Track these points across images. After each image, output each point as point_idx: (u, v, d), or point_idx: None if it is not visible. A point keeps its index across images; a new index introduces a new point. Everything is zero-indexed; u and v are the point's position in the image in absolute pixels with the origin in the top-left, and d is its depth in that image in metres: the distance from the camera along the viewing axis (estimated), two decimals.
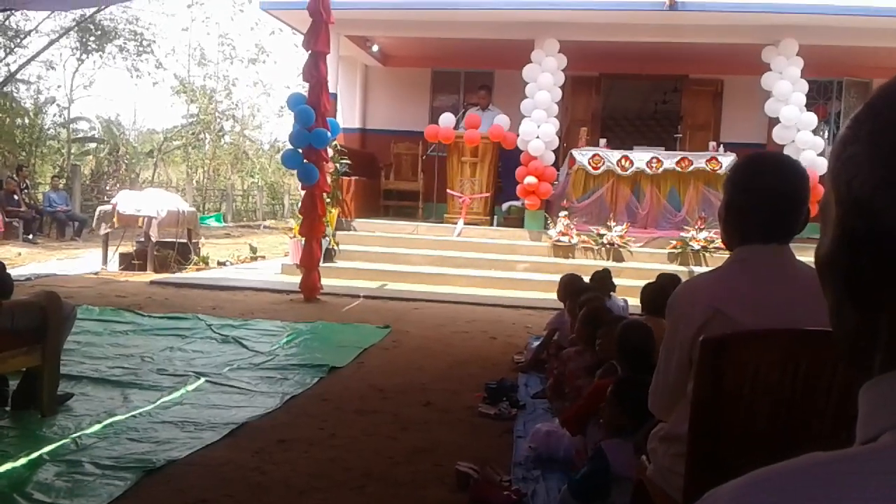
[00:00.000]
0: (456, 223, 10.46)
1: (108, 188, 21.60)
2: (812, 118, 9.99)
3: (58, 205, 15.45)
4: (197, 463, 3.37)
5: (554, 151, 10.48)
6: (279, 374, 4.97)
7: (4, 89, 21.36)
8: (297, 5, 8.86)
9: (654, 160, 10.09)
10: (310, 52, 7.93)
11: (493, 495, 3.02)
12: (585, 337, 4.09)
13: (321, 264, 8.49)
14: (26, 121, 22.57)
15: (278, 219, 24.70)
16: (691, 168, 10.01)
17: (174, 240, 10.29)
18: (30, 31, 21.85)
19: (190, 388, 4.59)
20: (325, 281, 8.35)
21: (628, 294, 5.81)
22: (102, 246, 10.34)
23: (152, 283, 8.97)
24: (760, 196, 1.83)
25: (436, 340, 6.28)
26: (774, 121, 10.41)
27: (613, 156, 10.13)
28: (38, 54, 22.24)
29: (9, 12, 19.17)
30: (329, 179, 9.07)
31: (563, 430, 3.48)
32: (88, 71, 35.35)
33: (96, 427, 3.76)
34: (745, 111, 12.12)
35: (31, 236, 14.12)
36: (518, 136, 10.22)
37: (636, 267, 9.17)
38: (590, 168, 10.14)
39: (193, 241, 10.71)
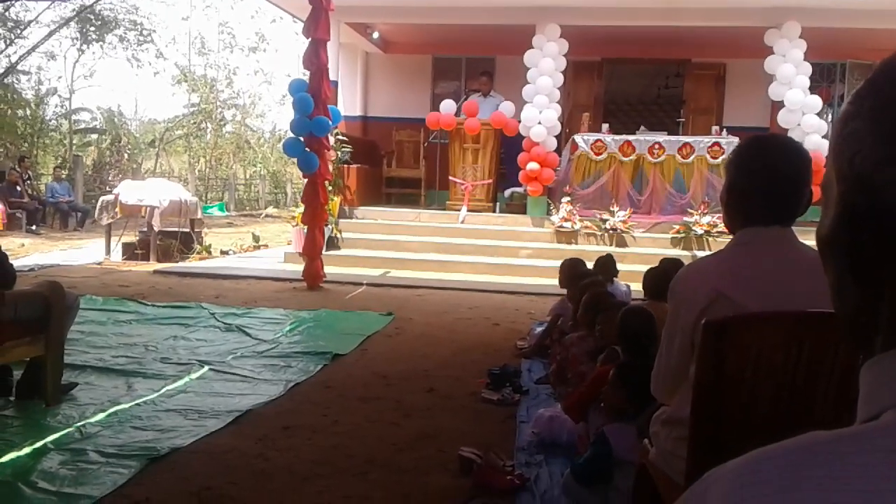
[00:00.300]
0: (458, 210, 10.45)
1: (110, 178, 21.62)
2: (816, 101, 9.95)
3: (60, 195, 15.46)
4: (201, 450, 3.38)
5: (556, 137, 10.45)
6: (282, 362, 4.98)
7: (5, 80, 21.34)
8: None
9: (657, 146, 10.06)
10: (310, 39, 7.90)
11: (496, 480, 3.03)
12: (587, 322, 4.09)
13: (324, 252, 8.49)
14: (28, 112, 22.58)
15: (281, 207, 24.70)
16: (692, 157, 9.98)
17: (177, 229, 10.30)
18: (30, 22, 21.85)
19: (194, 376, 4.60)
20: (327, 269, 8.36)
21: (631, 279, 5.81)
22: (105, 236, 10.36)
23: (155, 272, 8.98)
24: (763, 178, 1.82)
25: (439, 327, 6.29)
26: (777, 104, 10.37)
27: (616, 141, 10.11)
28: (38, 45, 22.23)
29: (9, 3, 19.14)
30: (331, 167, 9.06)
31: (565, 415, 3.49)
32: (89, 61, 35.47)
33: (100, 416, 3.77)
34: (748, 95, 12.09)
35: (34, 227, 14.14)
36: (520, 122, 10.19)
37: (639, 252, 9.16)
38: (592, 154, 10.12)
39: (196, 230, 10.72)
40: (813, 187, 1.87)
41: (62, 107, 24.71)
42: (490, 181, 10.67)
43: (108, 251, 10.21)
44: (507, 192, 11.09)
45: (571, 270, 5.26)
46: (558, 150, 10.62)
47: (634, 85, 14.02)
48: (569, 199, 9.94)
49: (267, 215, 21.10)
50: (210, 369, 4.75)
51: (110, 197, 10.40)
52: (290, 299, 7.46)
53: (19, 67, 22.32)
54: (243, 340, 5.63)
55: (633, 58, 12.40)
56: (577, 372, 4.00)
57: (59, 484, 2.95)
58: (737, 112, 12.37)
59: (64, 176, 16.63)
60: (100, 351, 5.11)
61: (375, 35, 12.39)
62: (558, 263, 5.72)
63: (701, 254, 8.94)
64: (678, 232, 9.68)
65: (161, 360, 4.95)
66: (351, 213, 10.64)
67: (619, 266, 5.63)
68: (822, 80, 11.75)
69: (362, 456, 3.36)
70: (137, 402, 4.03)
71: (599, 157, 10.12)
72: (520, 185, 10.62)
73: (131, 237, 10.48)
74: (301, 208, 8.75)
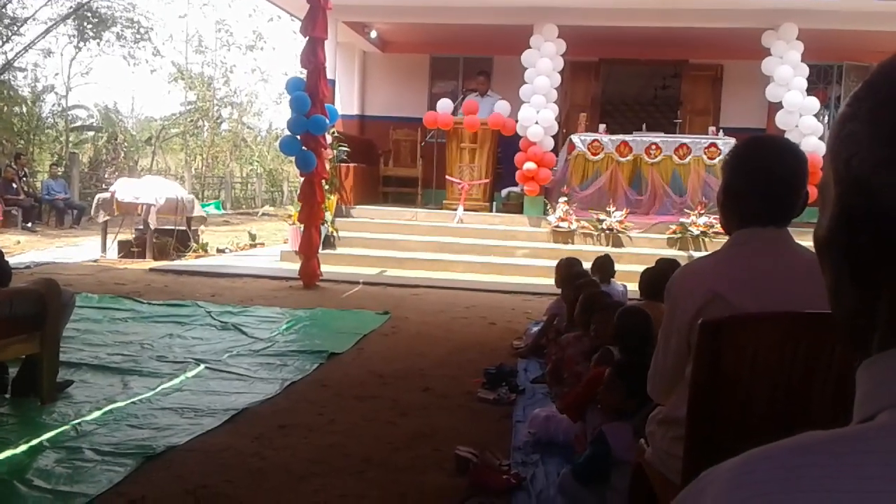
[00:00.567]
0: (455, 209, 10.45)
1: (106, 176, 21.57)
2: (814, 103, 9.97)
3: (56, 193, 15.44)
4: (197, 449, 3.38)
5: (553, 137, 10.45)
6: (278, 361, 4.98)
7: (2, 77, 21.28)
8: None
9: (653, 146, 10.07)
10: (307, 38, 7.89)
11: (492, 480, 3.03)
12: (583, 323, 4.09)
13: (320, 251, 8.49)
14: (24, 109, 22.53)
15: (277, 206, 24.66)
16: (689, 158, 10.01)
17: (173, 227, 10.28)
18: (27, 19, 21.80)
19: (189, 374, 4.60)
20: (324, 267, 8.35)
21: (628, 279, 5.82)
22: (101, 233, 10.34)
23: (151, 270, 8.97)
24: (759, 179, 1.83)
25: (435, 326, 6.29)
26: (774, 105, 10.38)
27: (612, 142, 10.12)
28: (35, 42, 22.18)
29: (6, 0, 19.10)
30: (328, 166, 9.05)
31: (561, 415, 3.49)
32: (86, 59, 35.26)
33: (96, 414, 3.77)
34: (745, 96, 12.10)
35: (30, 224, 14.11)
36: (517, 121, 10.19)
37: (636, 252, 9.17)
38: (589, 154, 10.13)
39: (192, 228, 10.71)
40: (809, 188, 1.88)
41: (59, 104, 24.71)
42: (487, 181, 10.67)
43: (104, 249, 10.19)
44: (504, 192, 11.09)
45: (566, 270, 5.27)
46: (555, 150, 10.62)
47: (631, 85, 14.02)
48: (566, 199, 9.94)
49: (263, 214, 21.07)
50: (206, 368, 4.75)
51: (106, 194, 10.38)
52: (287, 298, 7.46)
53: (16, 64, 22.28)
54: (239, 339, 5.62)
55: (631, 58, 12.41)
56: (573, 372, 4.00)
57: (55, 482, 2.95)
58: (733, 113, 12.39)
59: (60, 173, 16.62)
60: (95, 349, 5.10)
61: (373, 34, 12.38)
62: (555, 263, 5.73)
63: (697, 254, 8.95)
64: (675, 232, 9.69)
65: (157, 358, 4.95)
66: (347, 212, 10.63)
67: (616, 266, 5.64)
68: (818, 82, 11.77)
69: (358, 455, 3.36)
70: (133, 400, 4.02)
71: (596, 158, 10.13)
72: (517, 185, 10.62)
73: (127, 235, 10.45)
74: (297, 207, 8.74)
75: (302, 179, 8.37)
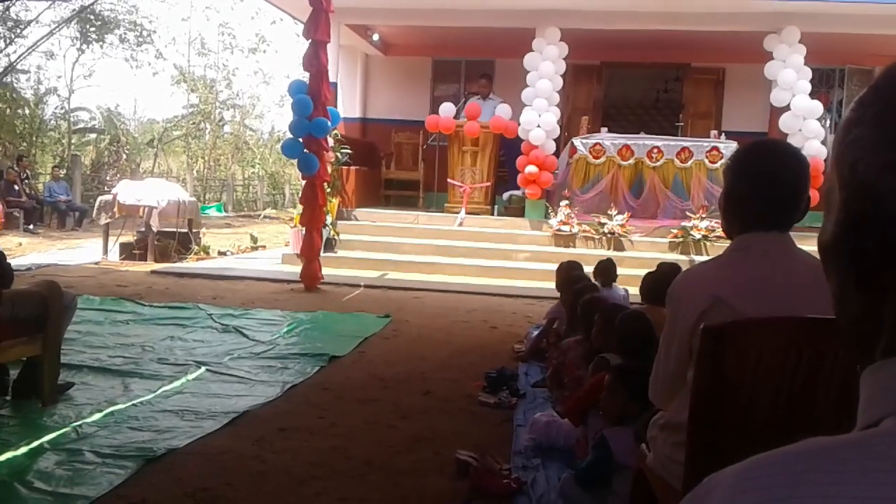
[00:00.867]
0: (457, 213, 10.45)
1: (108, 178, 21.62)
2: (818, 106, 9.97)
3: (58, 195, 15.45)
4: (197, 451, 3.37)
5: (555, 140, 10.45)
6: (280, 364, 4.98)
7: (5, 80, 21.32)
8: None
9: (655, 150, 10.07)
10: (310, 41, 7.90)
11: (492, 484, 3.03)
12: (586, 327, 4.08)
13: (322, 254, 8.48)
14: (27, 111, 22.57)
15: (279, 209, 24.68)
16: (691, 161, 10.01)
17: (175, 229, 10.29)
18: (30, 22, 21.82)
19: (190, 377, 4.59)
20: (325, 270, 8.35)
21: (629, 283, 5.81)
22: (103, 236, 10.35)
23: (153, 272, 8.97)
24: (761, 184, 1.82)
25: (436, 330, 6.28)
26: (776, 109, 10.38)
27: (614, 145, 10.12)
28: (38, 44, 22.21)
29: (9, 3, 19.13)
30: (329, 169, 9.06)
31: (562, 420, 3.49)
32: (88, 61, 35.38)
33: (97, 416, 3.77)
34: (747, 99, 12.11)
35: (31, 226, 14.12)
36: (519, 125, 10.19)
37: (637, 256, 9.16)
38: (591, 157, 10.12)
39: (194, 230, 10.71)
40: (811, 192, 1.88)
41: (61, 106, 24.72)
42: (488, 184, 10.67)
43: (105, 251, 10.19)
44: (506, 195, 11.09)
45: (566, 274, 5.26)
46: (557, 154, 10.62)
47: (634, 89, 14.03)
48: (567, 202, 9.94)
49: (265, 216, 21.09)
50: (207, 370, 4.74)
51: (108, 197, 10.40)
52: (288, 301, 7.46)
53: (19, 67, 22.32)
54: (240, 341, 5.62)
55: (633, 62, 12.41)
56: (574, 376, 3.99)
57: (55, 484, 2.94)
58: (736, 116, 12.39)
59: (62, 175, 16.63)
60: (97, 351, 5.10)
61: (375, 37, 12.40)
62: (556, 267, 5.73)
63: (699, 258, 8.95)
64: (676, 236, 9.68)
65: (158, 360, 4.95)
66: (349, 215, 10.63)
67: (617, 270, 5.63)
68: (821, 86, 11.77)
69: (359, 458, 3.35)
70: (134, 402, 4.02)
71: (598, 161, 10.13)
72: (518, 189, 10.62)
73: (129, 237, 10.46)
74: (299, 209, 8.74)
75: (304, 182, 8.37)
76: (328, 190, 9.08)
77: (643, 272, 4.52)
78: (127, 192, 10.19)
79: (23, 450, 3.26)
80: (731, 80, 12.58)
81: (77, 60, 24.51)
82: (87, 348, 5.14)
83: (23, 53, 21.88)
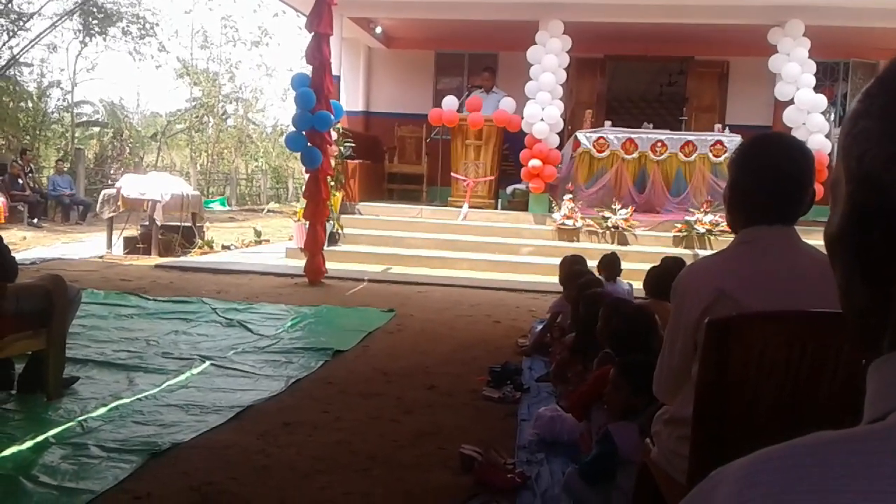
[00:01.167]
0: (460, 207, 10.45)
1: (112, 172, 21.64)
2: (822, 100, 9.94)
3: (62, 189, 15.48)
4: (202, 446, 3.38)
5: (559, 134, 10.43)
6: (284, 358, 4.98)
7: (8, 72, 21.33)
8: None
9: (659, 144, 10.05)
10: (313, 33, 7.89)
11: (497, 478, 3.03)
12: (583, 321, 4.08)
13: (325, 248, 8.49)
14: (30, 104, 22.59)
15: (282, 202, 24.71)
16: (695, 155, 9.99)
17: (178, 223, 10.30)
18: (32, 14, 21.82)
19: (195, 371, 4.60)
20: (329, 264, 8.36)
21: (633, 277, 5.80)
22: (107, 230, 10.37)
23: (157, 266, 8.98)
24: (766, 177, 1.81)
25: (440, 324, 6.29)
26: (780, 103, 10.35)
27: (618, 139, 10.10)
28: (40, 37, 22.21)
29: None
30: (333, 163, 9.05)
31: (566, 414, 3.49)
32: (91, 54, 35.26)
33: (102, 410, 3.77)
34: (751, 93, 12.08)
35: (35, 220, 14.15)
36: (522, 118, 10.18)
37: (641, 250, 9.16)
38: (594, 151, 10.11)
39: (198, 224, 10.72)
40: (816, 186, 1.87)
41: (64, 99, 24.76)
42: (492, 178, 10.67)
43: (109, 245, 10.21)
44: (509, 189, 11.08)
45: (570, 268, 5.26)
46: (560, 148, 10.60)
47: (637, 82, 14.00)
48: (571, 196, 9.93)
49: (268, 210, 21.11)
50: (211, 364, 4.75)
51: (112, 190, 10.40)
52: (292, 295, 7.46)
53: (22, 60, 22.32)
54: (244, 336, 5.63)
55: (637, 55, 12.38)
56: (578, 371, 4.00)
57: (61, 478, 2.95)
58: (740, 110, 12.36)
59: (66, 169, 16.65)
60: (101, 345, 5.11)
61: (378, 30, 12.38)
62: (559, 261, 5.72)
63: (703, 252, 8.93)
64: (680, 230, 9.67)
65: (162, 354, 4.95)
66: (353, 209, 10.63)
67: (621, 264, 5.62)
68: (825, 79, 11.72)
69: (363, 452, 3.36)
70: (139, 396, 4.03)
71: (602, 155, 10.12)
72: (521, 182, 10.61)
73: (133, 231, 10.48)
74: (303, 203, 8.74)
75: (307, 176, 8.37)
76: (332, 184, 9.08)
77: (647, 266, 4.51)
78: (130, 185, 10.19)
79: (28, 444, 3.27)
80: (734, 73, 12.55)
81: (80, 53, 24.57)
82: (92, 342, 5.15)
83: (26, 46, 21.90)
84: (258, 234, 12.29)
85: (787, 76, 9.89)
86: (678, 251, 8.71)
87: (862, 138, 0.55)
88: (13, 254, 4.11)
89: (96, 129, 25.72)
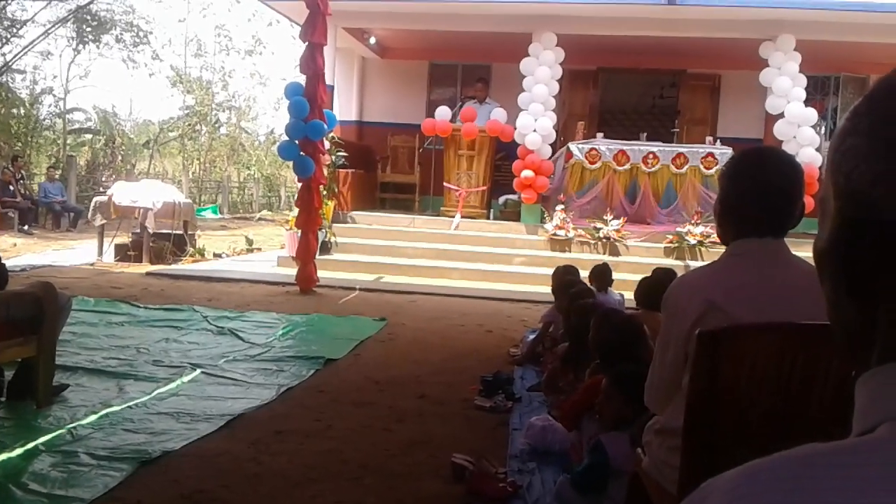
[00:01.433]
0: (452, 216, 10.46)
1: (103, 179, 21.54)
2: (812, 114, 10.00)
3: (53, 195, 15.42)
4: (193, 454, 3.37)
5: (551, 145, 10.47)
6: (275, 366, 4.97)
7: (0, 79, 21.26)
8: None
9: (651, 156, 10.10)
10: (307, 43, 7.91)
11: (488, 487, 3.03)
12: (574, 331, 4.09)
13: (317, 256, 8.48)
14: (22, 111, 22.49)
15: (275, 211, 24.67)
16: (686, 167, 10.04)
17: (170, 231, 10.27)
18: (26, 21, 21.78)
19: (186, 379, 4.58)
20: (321, 273, 8.35)
21: (624, 288, 5.82)
22: (98, 237, 10.33)
23: (148, 274, 8.96)
24: (756, 190, 1.83)
25: (432, 333, 6.29)
26: (771, 116, 10.42)
27: (610, 150, 10.14)
28: (34, 44, 22.16)
29: (5, 2, 19.10)
30: (325, 172, 9.06)
31: (557, 424, 3.49)
32: (84, 61, 35.31)
33: (92, 418, 3.76)
34: (743, 106, 12.15)
35: (26, 227, 14.08)
36: (515, 129, 10.21)
37: (632, 261, 9.18)
38: (586, 162, 10.15)
39: (189, 232, 10.70)
40: (806, 199, 1.89)
41: (57, 106, 24.69)
42: (484, 188, 10.69)
43: (100, 252, 10.17)
44: (502, 200, 11.11)
45: (561, 278, 5.27)
46: (552, 158, 10.63)
47: (629, 94, 14.03)
48: (563, 207, 9.95)
49: (261, 218, 21.07)
50: (202, 372, 4.74)
51: (104, 198, 10.37)
52: (283, 303, 7.45)
53: (14, 66, 22.25)
54: (236, 344, 5.62)
55: (629, 67, 12.44)
56: (569, 380, 4.01)
57: (50, 486, 2.94)
58: (731, 123, 12.43)
59: (57, 176, 16.59)
60: (91, 352, 5.09)
61: (372, 40, 12.41)
62: (552, 271, 5.73)
63: (694, 264, 8.96)
64: (671, 242, 9.70)
65: (153, 362, 4.94)
66: (345, 218, 10.62)
67: (612, 275, 5.64)
68: (815, 93, 11.80)
69: (355, 461, 3.35)
70: (129, 404, 4.01)
71: (594, 166, 10.15)
72: (514, 193, 10.63)
73: (124, 238, 10.43)
74: (295, 212, 8.74)
75: (300, 185, 8.37)
76: (324, 192, 9.08)
77: (638, 277, 4.54)
78: (122, 193, 10.17)
79: (17, 451, 3.25)
80: (726, 86, 12.63)
81: (73, 60, 24.53)
82: (82, 350, 5.13)
83: (18, 53, 21.84)
84: (250, 242, 12.27)
85: (778, 90, 9.95)
86: (669, 262, 8.75)
87: (850, 155, 0.56)
88: (3, 261, 4.10)
89: (88, 137, 25.64)
